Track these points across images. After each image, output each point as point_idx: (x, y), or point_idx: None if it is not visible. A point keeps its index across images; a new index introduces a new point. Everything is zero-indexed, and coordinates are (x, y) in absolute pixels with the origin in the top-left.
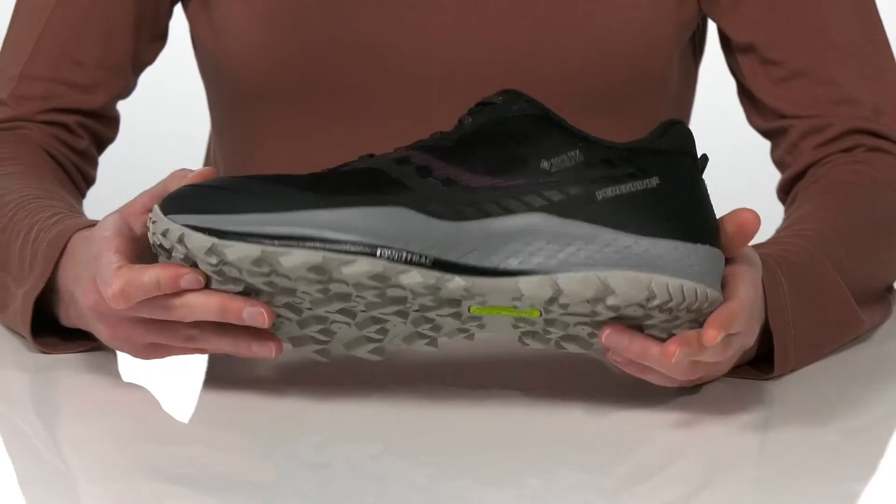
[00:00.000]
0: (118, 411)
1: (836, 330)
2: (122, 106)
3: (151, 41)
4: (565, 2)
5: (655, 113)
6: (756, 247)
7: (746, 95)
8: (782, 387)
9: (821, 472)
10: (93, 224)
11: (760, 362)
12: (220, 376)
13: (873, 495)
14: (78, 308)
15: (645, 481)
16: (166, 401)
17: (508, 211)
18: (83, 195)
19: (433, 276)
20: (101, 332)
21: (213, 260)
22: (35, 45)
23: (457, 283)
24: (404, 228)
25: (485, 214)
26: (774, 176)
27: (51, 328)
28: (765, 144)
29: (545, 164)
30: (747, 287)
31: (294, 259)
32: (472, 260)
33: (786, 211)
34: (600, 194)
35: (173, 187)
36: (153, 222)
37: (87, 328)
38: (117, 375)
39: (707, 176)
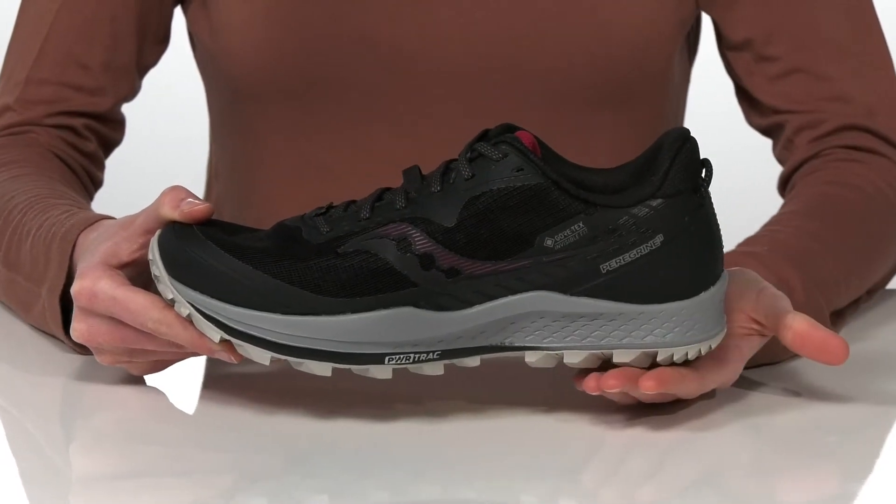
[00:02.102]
0: (122, 410)
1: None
2: (124, 108)
3: (155, 43)
4: None
5: (657, 109)
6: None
7: (744, 95)
8: (779, 387)
9: (820, 472)
10: (103, 218)
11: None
12: (220, 376)
13: (871, 496)
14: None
15: (642, 484)
16: (169, 400)
17: (512, 291)
18: (91, 197)
19: (441, 366)
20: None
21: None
22: (40, 49)
23: (466, 363)
24: (411, 330)
25: (489, 298)
26: (771, 176)
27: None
28: (760, 145)
29: (549, 242)
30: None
31: (306, 368)
32: (480, 342)
33: (785, 200)
34: (604, 267)
35: (166, 210)
36: (156, 277)
37: None
38: (122, 375)
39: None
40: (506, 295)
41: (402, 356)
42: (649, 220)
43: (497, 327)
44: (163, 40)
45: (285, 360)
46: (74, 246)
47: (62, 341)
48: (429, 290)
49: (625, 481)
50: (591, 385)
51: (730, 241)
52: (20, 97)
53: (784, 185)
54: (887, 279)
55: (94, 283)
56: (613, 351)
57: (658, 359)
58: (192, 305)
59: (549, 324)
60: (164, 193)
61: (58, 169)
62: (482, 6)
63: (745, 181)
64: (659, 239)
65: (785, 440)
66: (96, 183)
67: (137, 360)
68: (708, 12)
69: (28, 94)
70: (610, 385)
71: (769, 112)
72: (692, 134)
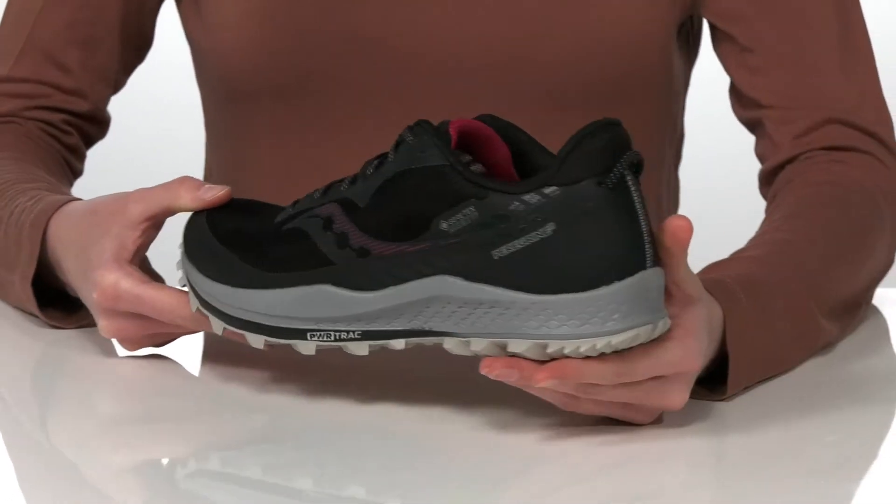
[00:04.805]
0: (117, 391)
1: (798, 345)
2: (123, 108)
3: (138, 44)
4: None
5: (651, 111)
6: (722, 263)
7: (732, 88)
8: (775, 387)
9: (818, 473)
10: (70, 200)
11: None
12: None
13: (867, 497)
14: (78, 291)
15: (640, 485)
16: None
17: (422, 274)
18: (71, 184)
19: (366, 346)
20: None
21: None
22: (21, 50)
23: (392, 345)
24: (328, 308)
25: (401, 280)
26: None
27: (57, 301)
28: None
29: (444, 226)
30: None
31: (249, 340)
32: (399, 325)
33: (766, 208)
34: (496, 254)
35: (184, 197)
36: (179, 264)
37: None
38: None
39: (706, 178)
40: (415, 278)
41: (323, 333)
42: (540, 207)
43: (413, 310)
44: (146, 40)
45: (233, 331)
46: (45, 233)
47: (43, 321)
48: (344, 269)
49: (623, 483)
50: (483, 367)
51: (733, 243)
52: (1, 90)
53: (764, 183)
54: (880, 271)
55: (116, 285)
56: (508, 340)
57: (548, 350)
58: (189, 282)
59: (456, 310)
60: (177, 185)
61: (33, 151)
62: (474, 4)
63: (745, 183)
64: (550, 227)
65: (782, 440)
66: (76, 172)
67: (159, 342)
68: (699, 7)
69: (7, 89)
70: (495, 368)
71: (751, 104)
72: (695, 136)
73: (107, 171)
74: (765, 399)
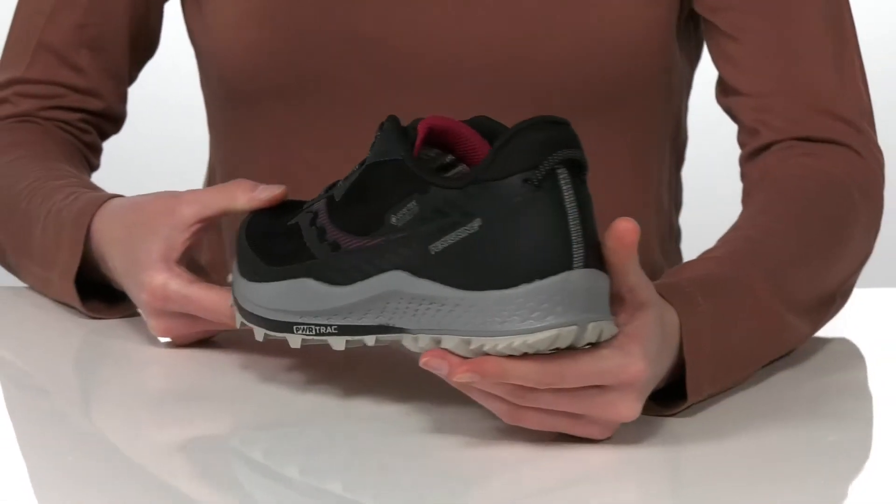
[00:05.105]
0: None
1: (764, 344)
2: (128, 108)
3: (146, 43)
4: (557, 1)
5: (649, 114)
6: (686, 265)
7: (718, 80)
8: (732, 400)
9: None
10: (111, 197)
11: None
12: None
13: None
14: (125, 289)
15: (636, 486)
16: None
17: (381, 269)
18: (89, 177)
19: (343, 341)
20: (150, 323)
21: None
22: (34, 52)
23: (365, 341)
24: (308, 301)
25: (365, 275)
26: None
27: (99, 293)
28: None
29: (393, 220)
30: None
31: (255, 333)
32: (368, 320)
33: (742, 200)
34: (433, 249)
35: (240, 198)
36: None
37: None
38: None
39: (705, 178)
40: (375, 273)
41: (306, 327)
42: (469, 202)
43: (379, 306)
44: (155, 38)
45: (248, 326)
46: (89, 231)
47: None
48: (321, 263)
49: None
50: (420, 359)
51: None
52: (15, 92)
53: (742, 169)
54: (857, 263)
55: (165, 287)
56: (441, 337)
57: (471, 347)
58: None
59: (408, 306)
60: (233, 187)
61: (55, 146)
62: (472, 6)
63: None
64: (477, 223)
65: (780, 440)
66: (93, 168)
67: (210, 336)
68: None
69: (23, 90)
70: (429, 362)
71: (732, 93)
72: (696, 137)
73: (111, 170)
74: (720, 413)
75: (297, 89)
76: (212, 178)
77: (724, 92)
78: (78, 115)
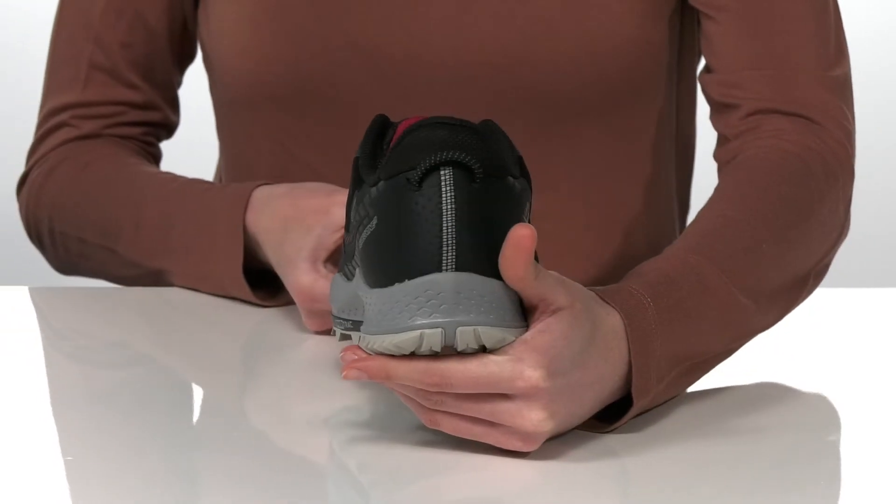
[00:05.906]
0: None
1: (722, 337)
2: None
3: (187, 52)
4: (556, 4)
5: (648, 119)
6: (646, 264)
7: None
8: (675, 410)
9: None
10: (257, 185)
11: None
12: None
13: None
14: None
15: (633, 487)
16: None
17: (356, 264)
18: None
19: (357, 336)
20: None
21: None
22: (86, 74)
23: (353, 337)
24: (336, 295)
25: (351, 275)
26: None
27: (260, 282)
28: None
29: (353, 215)
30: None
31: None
32: (357, 316)
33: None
34: (359, 243)
35: None
36: None
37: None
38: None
39: (704, 179)
40: (355, 267)
41: (340, 321)
42: (373, 200)
43: (360, 303)
44: (192, 48)
45: None
46: (245, 225)
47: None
48: (343, 258)
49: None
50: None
51: None
52: (75, 115)
53: (715, 156)
54: (830, 242)
55: (312, 288)
56: (351, 333)
57: (360, 344)
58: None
59: (361, 304)
60: None
61: (131, 155)
62: (471, 13)
63: None
64: (374, 221)
65: (779, 442)
66: None
67: None
68: None
69: (83, 113)
70: (341, 354)
71: (704, 69)
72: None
73: None
74: (664, 423)
75: (297, 94)
76: (219, 182)
77: (703, 71)
78: (140, 129)
